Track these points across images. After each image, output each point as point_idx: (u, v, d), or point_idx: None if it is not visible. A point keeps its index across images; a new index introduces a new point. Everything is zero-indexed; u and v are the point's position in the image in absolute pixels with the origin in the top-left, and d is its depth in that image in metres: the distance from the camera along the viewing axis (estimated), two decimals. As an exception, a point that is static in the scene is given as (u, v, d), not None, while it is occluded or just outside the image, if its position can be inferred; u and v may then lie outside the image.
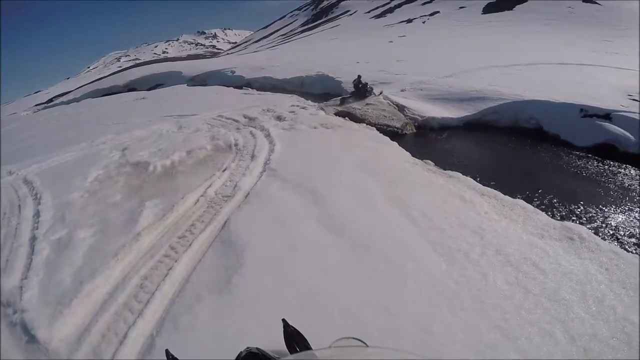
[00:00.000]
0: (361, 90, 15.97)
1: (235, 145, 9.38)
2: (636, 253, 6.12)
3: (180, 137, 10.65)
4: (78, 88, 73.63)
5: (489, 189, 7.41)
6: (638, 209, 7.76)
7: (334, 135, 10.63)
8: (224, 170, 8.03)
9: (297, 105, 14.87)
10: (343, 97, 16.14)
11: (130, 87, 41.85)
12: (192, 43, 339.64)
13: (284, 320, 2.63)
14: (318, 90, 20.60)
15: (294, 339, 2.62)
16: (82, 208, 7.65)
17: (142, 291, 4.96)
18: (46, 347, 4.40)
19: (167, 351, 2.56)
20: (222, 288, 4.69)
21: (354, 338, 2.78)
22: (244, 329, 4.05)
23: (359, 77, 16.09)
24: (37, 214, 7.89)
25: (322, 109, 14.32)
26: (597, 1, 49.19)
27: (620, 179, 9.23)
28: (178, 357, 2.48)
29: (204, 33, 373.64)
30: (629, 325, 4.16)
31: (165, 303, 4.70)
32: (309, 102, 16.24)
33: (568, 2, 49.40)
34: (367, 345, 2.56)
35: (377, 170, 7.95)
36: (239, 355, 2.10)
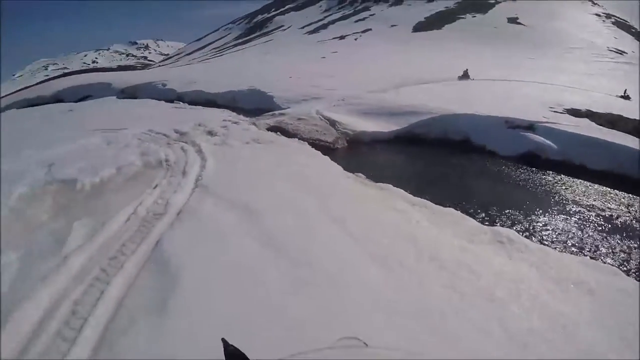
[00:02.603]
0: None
1: (166, 161, 9.00)
2: (563, 251, 6.63)
3: (109, 153, 10.11)
4: (1, 98, 68.80)
5: (419, 199, 7.70)
6: (561, 210, 8.38)
7: (266, 150, 10.58)
8: (154, 187, 7.66)
9: (229, 120, 14.63)
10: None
11: (58, 98, 39.44)
12: (123, 53, 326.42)
13: (223, 340, 2.58)
14: (250, 105, 20.36)
15: (234, 358, 2.61)
16: (7, 229, 7.06)
17: (74, 317, 4.58)
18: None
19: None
20: (158, 310, 4.44)
21: (354, 338, 2.79)
22: (183, 351, 3.88)
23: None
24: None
25: (254, 124, 14.21)
26: (521, 22, 53.10)
27: (544, 184, 9.97)
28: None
29: (136, 43, 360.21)
30: (562, 318, 4.46)
31: (100, 329, 4.38)
32: (241, 117, 16.05)
33: (495, 22, 52.86)
34: (366, 345, 2.58)
35: (310, 185, 7.98)
36: None
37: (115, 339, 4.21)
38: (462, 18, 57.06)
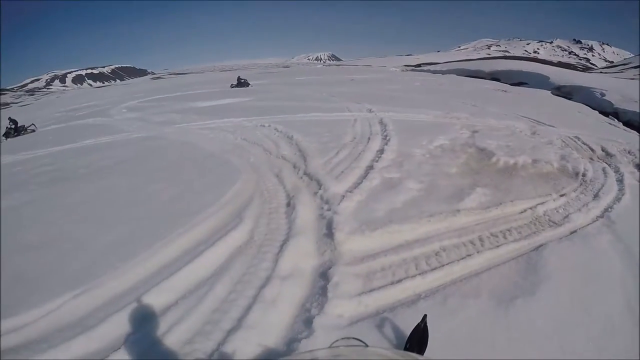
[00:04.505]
0: None
1: (583, 175, 8.25)
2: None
3: (530, 143, 10.06)
4: (445, 62, 79.33)
5: None
6: None
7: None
8: (561, 195, 7.29)
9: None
10: None
11: (494, 77, 42.23)
12: (565, 50, 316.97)
13: (424, 316, 2.65)
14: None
15: (416, 335, 2.66)
16: (420, 165, 8.39)
17: (434, 258, 5.21)
18: (335, 246, 5.26)
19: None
20: (502, 302, 4.41)
21: (354, 338, 2.55)
22: (491, 347, 3.77)
23: None
24: (381, 151, 9.28)
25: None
26: None
27: None
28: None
29: (580, 42, 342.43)
30: None
31: (447, 280, 4.81)
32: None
33: None
34: (367, 346, 2.34)
35: None
36: None
37: (453, 295, 4.49)
38: None
